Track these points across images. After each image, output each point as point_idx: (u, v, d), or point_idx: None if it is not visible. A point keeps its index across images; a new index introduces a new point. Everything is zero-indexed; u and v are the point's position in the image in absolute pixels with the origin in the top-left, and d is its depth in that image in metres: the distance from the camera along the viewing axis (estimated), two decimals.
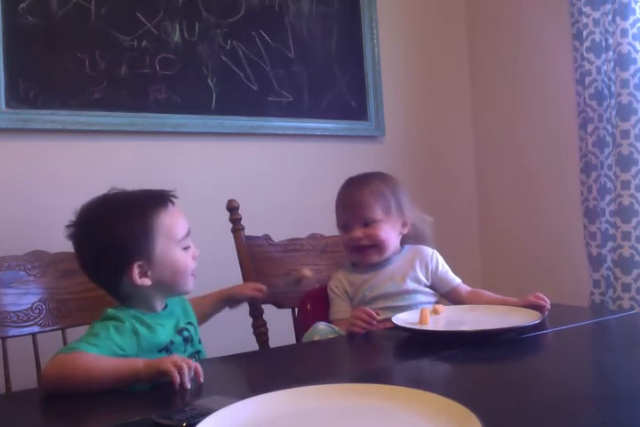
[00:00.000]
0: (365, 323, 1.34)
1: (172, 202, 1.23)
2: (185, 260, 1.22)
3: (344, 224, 1.54)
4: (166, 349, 1.18)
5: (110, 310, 1.16)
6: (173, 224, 1.20)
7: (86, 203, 1.21)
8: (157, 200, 1.21)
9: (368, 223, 1.50)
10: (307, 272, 1.58)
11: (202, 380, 1.00)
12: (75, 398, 0.97)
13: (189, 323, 1.26)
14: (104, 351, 1.07)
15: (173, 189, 1.24)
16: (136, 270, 1.15)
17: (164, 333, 1.18)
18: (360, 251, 1.52)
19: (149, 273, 1.17)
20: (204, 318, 1.43)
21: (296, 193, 2.25)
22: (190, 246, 1.24)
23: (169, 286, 1.22)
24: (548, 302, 1.38)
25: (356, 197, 1.52)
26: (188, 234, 1.23)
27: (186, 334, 1.23)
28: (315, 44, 2.31)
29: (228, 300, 1.49)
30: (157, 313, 1.21)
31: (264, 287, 1.51)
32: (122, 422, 0.85)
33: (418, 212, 1.62)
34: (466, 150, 2.72)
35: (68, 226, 1.20)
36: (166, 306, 1.25)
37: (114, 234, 1.15)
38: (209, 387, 1.01)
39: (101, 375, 1.00)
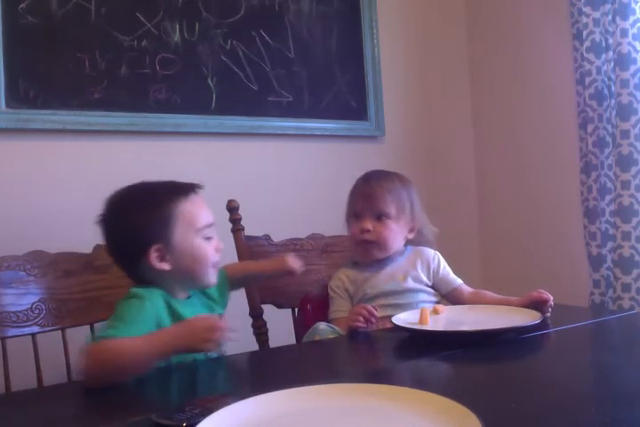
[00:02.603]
0: (365, 319, 1.35)
1: (195, 192, 1.25)
2: (205, 249, 1.23)
3: (356, 213, 1.54)
4: None
5: (134, 289, 1.18)
6: (194, 212, 1.22)
7: (114, 192, 1.24)
8: (179, 189, 1.23)
9: (380, 217, 1.51)
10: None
11: (231, 337, 1.05)
12: (74, 399, 0.97)
13: None
14: (133, 333, 1.08)
15: (200, 184, 1.27)
16: (154, 254, 1.17)
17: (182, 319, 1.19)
18: (362, 245, 1.53)
19: (168, 258, 1.19)
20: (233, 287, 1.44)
21: (296, 193, 2.25)
22: (213, 238, 1.25)
23: (188, 275, 1.23)
24: (551, 297, 1.38)
25: (374, 189, 1.52)
26: (210, 225, 1.24)
27: None
28: (315, 44, 2.31)
29: (257, 276, 1.50)
30: (180, 300, 1.23)
31: (299, 264, 1.45)
32: (122, 422, 0.85)
33: (427, 220, 1.62)
34: (466, 150, 2.72)
35: (99, 214, 1.24)
36: (190, 296, 1.27)
37: (132, 218, 1.18)
38: (209, 387, 1.01)
39: (141, 360, 1.03)
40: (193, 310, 1.23)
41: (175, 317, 1.18)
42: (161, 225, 1.18)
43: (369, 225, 1.51)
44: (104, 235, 1.23)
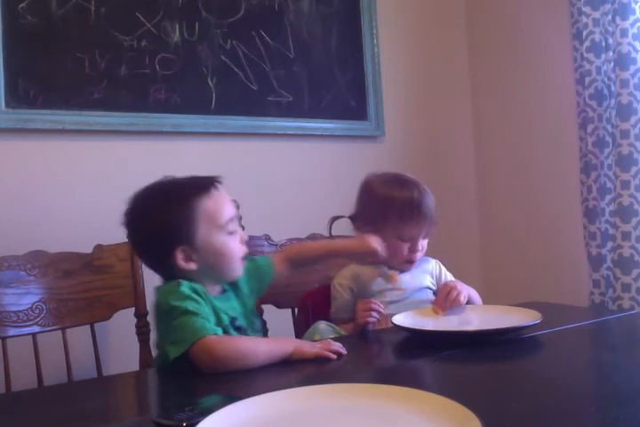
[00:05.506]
0: (377, 313, 1.38)
1: (216, 187, 1.23)
2: (230, 245, 1.22)
3: (411, 236, 1.49)
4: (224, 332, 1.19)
5: (183, 288, 1.15)
6: (215, 209, 1.21)
7: (136, 191, 1.23)
8: (199, 186, 1.22)
9: (425, 237, 1.49)
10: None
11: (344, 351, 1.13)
12: (74, 399, 0.97)
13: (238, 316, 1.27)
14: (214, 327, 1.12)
15: (219, 176, 1.25)
16: (180, 255, 1.18)
17: (222, 316, 1.20)
18: (409, 263, 1.52)
19: (194, 257, 1.19)
20: (298, 267, 1.44)
21: (296, 193, 2.25)
22: (237, 231, 1.24)
23: (216, 271, 1.23)
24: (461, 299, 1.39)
25: (427, 214, 1.48)
26: (232, 218, 1.24)
27: (237, 323, 1.25)
28: (315, 44, 2.31)
29: (334, 255, 1.46)
30: (214, 296, 1.22)
31: (381, 245, 1.37)
32: (122, 422, 0.85)
33: None
34: (466, 150, 2.72)
35: (123, 214, 1.23)
36: (225, 291, 1.27)
37: (156, 221, 1.18)
38: (209, 387, 1.01)
39: (262, 357, 1.08)
40: (229, 304, 1.25)
41: (214, 311, 1.18)
42: (183, 226, 1.18)
43: (420, 246, 1.50)
44: (128, 236, 1.23)
